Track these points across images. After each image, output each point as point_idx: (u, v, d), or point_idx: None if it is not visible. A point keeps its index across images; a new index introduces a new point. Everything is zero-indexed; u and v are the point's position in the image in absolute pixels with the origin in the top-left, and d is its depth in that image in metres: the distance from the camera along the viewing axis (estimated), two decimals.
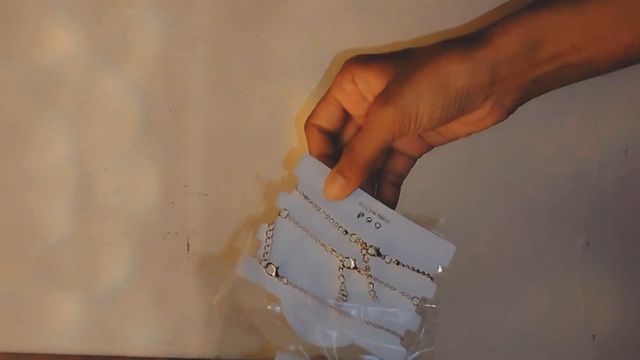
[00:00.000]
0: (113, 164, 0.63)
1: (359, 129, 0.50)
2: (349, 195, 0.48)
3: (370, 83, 0.47)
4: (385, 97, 0.45)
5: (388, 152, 0.53)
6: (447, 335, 0.68)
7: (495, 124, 0.48)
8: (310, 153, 0.51)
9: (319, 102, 0.51)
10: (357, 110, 0.49)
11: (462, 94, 0.45)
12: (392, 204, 0.51)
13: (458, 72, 0.44)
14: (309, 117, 0.51)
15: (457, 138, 0.50)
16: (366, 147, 0.46)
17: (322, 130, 0.51)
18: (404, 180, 0.54)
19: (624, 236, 0.66)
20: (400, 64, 0.46)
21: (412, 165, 0.53)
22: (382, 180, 0.53)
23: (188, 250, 0.65)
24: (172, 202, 0.64)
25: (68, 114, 0.62)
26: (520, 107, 0.49)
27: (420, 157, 0.53)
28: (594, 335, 0.69)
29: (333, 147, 0.51)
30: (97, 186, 0.63)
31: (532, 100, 0.50)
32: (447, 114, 0.45)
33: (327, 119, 0.50)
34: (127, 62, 0.61)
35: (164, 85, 0.61)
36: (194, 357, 0.68)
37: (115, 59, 0.61)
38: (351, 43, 0.61)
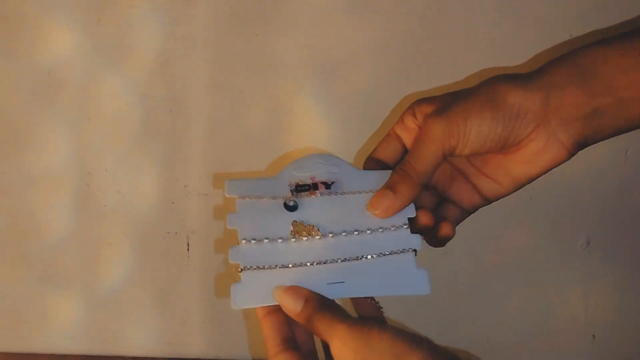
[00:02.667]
0: (113, 164, 0.63)
1: None
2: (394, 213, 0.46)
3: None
4: (436, 110, 0.45)
5: (441, 201, 0.51)
6: (447, 335, 0.68)
7: (555, 163, 0.47)
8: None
9: (382, 138, 0.50)
10: None
11: (511, 112, 0.44)
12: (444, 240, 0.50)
13: (509, 91, 0.44)
14: (371, 152, 0.50)
15: (517, 185, 0.48)
16: (419, 160, 0.45)
17: (379, 162, 0.50)
18: None
19: (624, 236, 0.67)
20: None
21: (464, 219, 0.51)
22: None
23: (188, 250, 0.65)
24: (172, 202, 0.64)
25: (68, 114, 0.62)
26: None
27: (474, 211, 0.51)
28: (594, 335, 0.69)
29: None
30: (97, 186, 0.63)
31: None
32: (494, 131, 0.45)
33: (386, 153, 0.50)
34: (127, 62, 0.61)
35: (164, 85, 0.61)
36: (194, 357, 0.68)
37: (115, 59, 0.61)
38: (351, 43, 0.61)
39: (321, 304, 0.41)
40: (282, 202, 0.46)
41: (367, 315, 0.45)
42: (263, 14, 0.60)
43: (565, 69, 0.45)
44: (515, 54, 0.61)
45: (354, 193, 0.47)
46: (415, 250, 0.45)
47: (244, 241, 0.44)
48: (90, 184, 0.63)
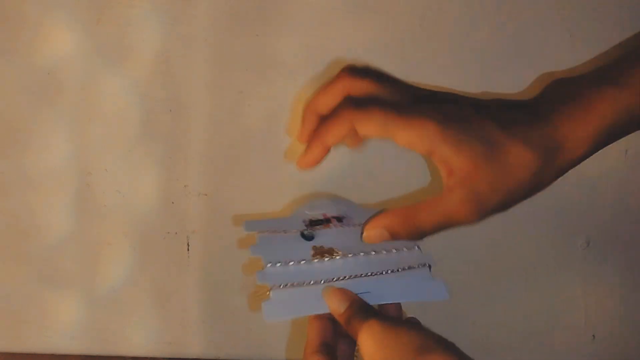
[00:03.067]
0: (113, 164, 0.63)
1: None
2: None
3: (401, 139, 0.44)
4: (471, 193, 0.43)
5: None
6: (447, 336, 0.68)
7: None
8: (300, 134, 0.49)
9: (323, 88, 0.48)
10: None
11: (524, 183, 0.44)
12: None
13: (527, 165, 0.43)
14: (310, 103, 0.49)
15: None
16: (429, 222, 0.44)
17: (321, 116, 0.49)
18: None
19: (624, 236, 0.67)
20: (452, 125, 0.43)
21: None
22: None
23: (188, 250, 0.65)
24: (172, 202, 0.64)
25: (68, 114, 0.62)
26: None
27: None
28: (594, 335, 0.69)
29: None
30: (97, 186, 0.63)
31: None
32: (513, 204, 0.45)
33: (328, 107, 0.48)
34: (127, 62, 0.61)
35: (164, 85, 0.61)
36: (194, 357, 0.68)
37: (115, 59, 0.61)
38: (351, 43, 0.61)
39: (363, 307, 0.43)
40: (299, 233, 0.49)
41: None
42: (263, 14, 0.60)
43: (577, 124, 0.44)
44: (515, 54, 0.61)
45: None
46: (429, 266, 0.48)
47: (269, 265, 0.47)
48: (90, 184, 0.63)
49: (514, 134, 0.43)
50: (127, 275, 0.66)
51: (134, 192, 0.64)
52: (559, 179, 0.65)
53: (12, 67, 0.60)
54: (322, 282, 0.46)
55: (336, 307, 0.44)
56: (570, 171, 0.65)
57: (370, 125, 0.44)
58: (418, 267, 0.48)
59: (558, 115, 0.44)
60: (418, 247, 0.49)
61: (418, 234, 0.45)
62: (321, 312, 0.45)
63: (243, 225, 0.50)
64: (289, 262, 0.47)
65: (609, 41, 0.60)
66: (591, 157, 0.64)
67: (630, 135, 0.65)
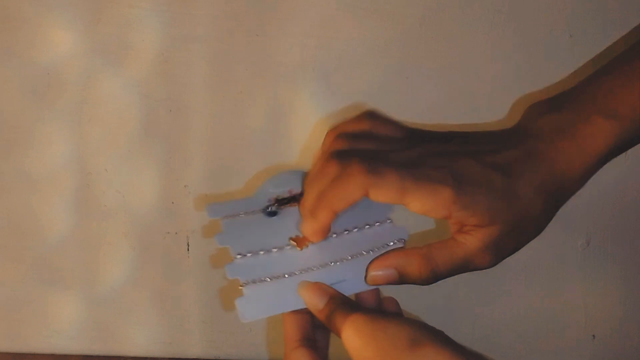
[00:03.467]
0: (113, 164, 0.63)
1: None
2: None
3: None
4: (488, 242, 0.43)
5: None
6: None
7: None
8: (314, 232, 0.45)
9: (336, 183, 0.43)
10: None
11: (539, 228, 0.45)
12: None
13: (538, 214, 0.44)
14: (325, 200, 0.44)
15: None
16: (446, 265, 0.43)
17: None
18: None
19: (623, 236, 0.67)
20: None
21: None
22: None
23: (188, 250, 0.65)
24: (172, 202, 0.64)
25: (68, 114, 0.62)
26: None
27: None
28: (594, 335, 0.69)
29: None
30: (97, 186, 0.63)
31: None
32: None
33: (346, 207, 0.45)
34: (127, 62, 0.61)
35: (164, 85, 0.61)
36: (194, 357, 0.68)
37: (115, 59, 0.61)
38: (351, 43, 0.61)
39: (343, 302, 0.42)
40: (262, 213, 0.47)
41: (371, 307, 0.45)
42: (263, 14, 0.60)
43: (573, 160, 0.44)
44: (515, 55, 0.61)
45: None
46: (404, 240, 0.45)
47: (239, 256, 0.44)
48: (90, 184, 0.63)
49: (519, 178, 0.43)
50: (127, 275, 0.66)
51: (134, 192, 0.64)
52: None
53: (12, 67, 0.60)
54: (299, 272, 0.43)
55: (314, 303, 0.42)
56: None
57: (385, 191, 0.41)
58: (394, 243, 0.45)
59: (553, 152, 0.44)
60: (390, 220, 0.46)
61: (433, 278, 0.43)
62: (299, 307, 0.42)
63: (206, 210, 0.47)
64: (259, 251, 0.44)
65: (609, 41, 0.60)
66: None
67: None
